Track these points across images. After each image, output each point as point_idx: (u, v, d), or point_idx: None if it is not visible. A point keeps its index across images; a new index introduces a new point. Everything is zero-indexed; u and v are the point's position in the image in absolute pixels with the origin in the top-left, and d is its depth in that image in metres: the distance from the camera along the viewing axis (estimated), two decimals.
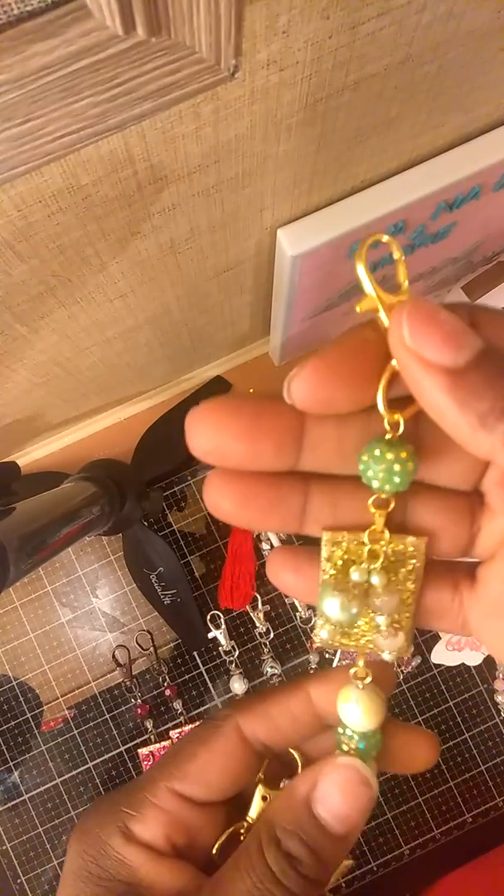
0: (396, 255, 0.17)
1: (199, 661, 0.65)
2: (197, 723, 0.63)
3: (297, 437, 0.17)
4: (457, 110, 0.36)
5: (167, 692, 0.63)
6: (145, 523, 0.64)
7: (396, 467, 0.16)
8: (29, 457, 0.66)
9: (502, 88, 0.36)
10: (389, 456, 0.16)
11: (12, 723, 0.64)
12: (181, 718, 0.64)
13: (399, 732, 0.23)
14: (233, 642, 0.64)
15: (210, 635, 0.64)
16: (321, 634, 0.18)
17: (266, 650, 0.64)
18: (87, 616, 0.66)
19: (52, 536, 0.41)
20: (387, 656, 0.19)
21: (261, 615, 0.64)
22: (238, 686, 0.63)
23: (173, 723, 0.64)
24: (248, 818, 0.24)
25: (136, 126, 0.25)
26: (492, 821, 0.63)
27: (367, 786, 0.21)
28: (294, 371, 0.16)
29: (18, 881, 0.63)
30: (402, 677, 0.64)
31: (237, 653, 0.64)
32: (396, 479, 0.16)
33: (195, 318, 0.50)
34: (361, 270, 0.16)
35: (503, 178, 0.41)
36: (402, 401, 0.17)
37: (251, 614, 0.65)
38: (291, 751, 0.25)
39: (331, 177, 0.37)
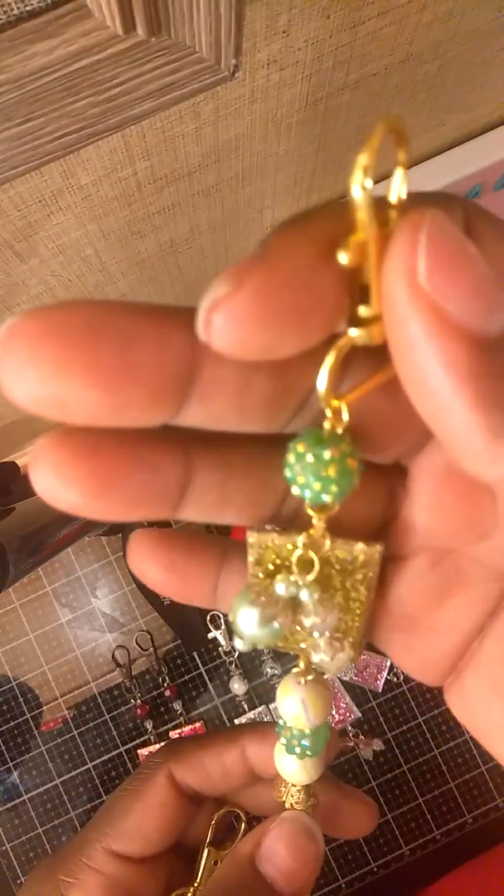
0: (402, 156, 0.10)
1: (198, 661, 0.65)
2: (194, 726, 0.63)
3: (185, 379, 0.10)
4: (457, 110, 0.36)
5: (167, 693, 0.63)
6: (145, 523, 0.64)
7: (335, 473, 0.12)
8: (29, 457, 0.65)
9: (502, 88, 0.36)
10: (326, 456, 0.12)
11: (12, 723, 0.64)
12: (181, 719, 0.64)
13: (340, 799, 0.22)
14: (233, 643, 0.64)
15: (210, 636, 0.64)
16: (236, 645, 0.15)
17: (266, 651, 0.64)
18: (86, 616, 0.66)
19: (51, 536, 0.41)
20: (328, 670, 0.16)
21: None
22: (238, 686, 0.63)
23: (173, 723, 0.64)
24: (194, 884, 0.23)
25: (135, 126, 0.25)
26: (492, 822, 0.63)
27: (311, 838, 0.19)
28: (215, 294, 0.10)
29: (18, 881, 0.63)
30: (402, 678, 0.64)
31: (237, 653, 0.64)
32: (334, 488, 0.12)
33: None
34: (358, 181, 0.10)
35: (503, 177, 0.41)
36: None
37: None
38: (237, 810, 0.24)
39: (331, 176, 0.37)
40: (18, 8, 0.18)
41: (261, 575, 0.15)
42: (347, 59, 0.28)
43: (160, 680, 0.64)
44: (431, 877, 0.61)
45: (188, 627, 0.64)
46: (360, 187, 0.10)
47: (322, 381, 0.11)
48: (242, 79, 0.26)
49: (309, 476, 0.12)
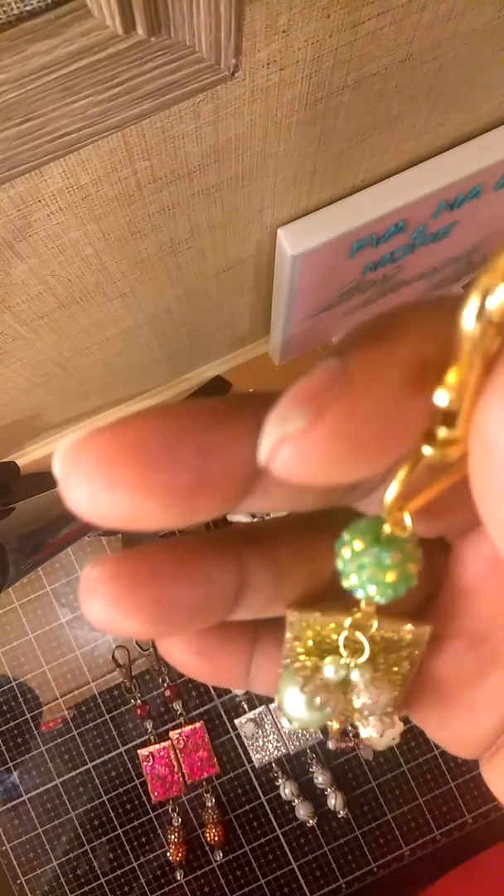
0: None
1: None
2: (196, 724, 0.63)
3: (253, 478, 0.10)
4: (457, 110, 0.36)
5: (167, 693, 0.63)
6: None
7: (393, 578, 0.11)
8: (29, 457, 0.65)
9: (502, 88, 0.36)
10: (386, 561, 0.11)
11: (12, 723, 0.64)
12: (181, 719, 0.64)
13: None
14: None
15: None
16: (284, 725, 0.14)
17: None
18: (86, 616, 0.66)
19: (51, 536, 0.41)
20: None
21: None
22: None
23: (173, 723, 0.64)
24: None
25: (135, 125, 0.25)
26: (492, 822, 0.63)
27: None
28: (286, 425, 0.09)
29: (18, 881, 0.63)
30: None
31: None
32: (390, 593, 0.11)
33: (195, 318, 0.50)
34: None
35: (503, 177, 0.41)
36: None
37: None
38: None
39: (331, 176, 0.37)
40: (18, 8, 0.18)
41: (299, 650, 0.14)
42: (347, 59, 0.28)
43: (160, 680, 0.64)
44: (431, 877, 0.61)
45: None
46: (474, 318, 0.08)
47: (390, 495, 0.11)
48: (242, 79, 0.26)
49: (364, 578, 0.11)
